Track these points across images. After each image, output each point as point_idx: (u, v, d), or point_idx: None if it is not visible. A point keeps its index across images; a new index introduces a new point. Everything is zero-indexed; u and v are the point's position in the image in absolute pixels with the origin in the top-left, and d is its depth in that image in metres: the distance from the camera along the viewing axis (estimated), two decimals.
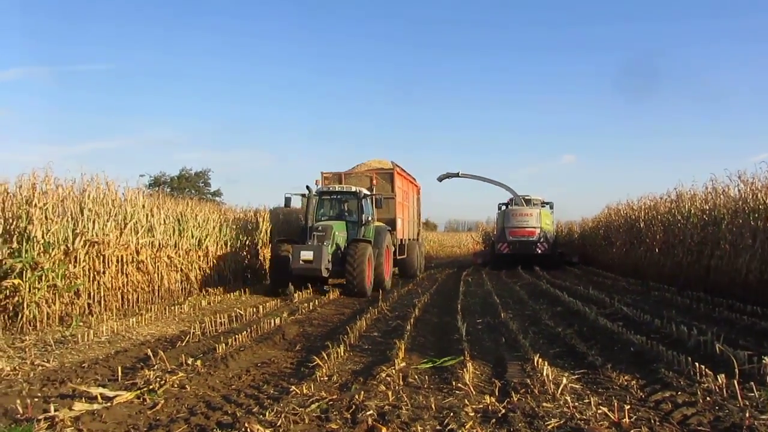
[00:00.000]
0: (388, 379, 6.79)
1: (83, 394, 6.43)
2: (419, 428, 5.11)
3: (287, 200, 18.57)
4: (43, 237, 11.12)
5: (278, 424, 5.26)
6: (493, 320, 11.82)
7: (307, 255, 16.04)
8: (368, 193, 19.48)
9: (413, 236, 26.22)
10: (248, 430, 5.06)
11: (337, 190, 19.37)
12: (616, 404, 5.63)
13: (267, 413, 5.56)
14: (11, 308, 10.66)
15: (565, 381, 6.51)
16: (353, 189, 19.07)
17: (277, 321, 11.51)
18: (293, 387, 6.52)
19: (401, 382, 6.76)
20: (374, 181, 21.55)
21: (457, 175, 35.51)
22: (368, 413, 5.51)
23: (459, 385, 6.53)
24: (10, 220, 11.10)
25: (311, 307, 14.00)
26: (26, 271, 10.71)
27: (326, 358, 7.84)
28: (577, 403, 5.85)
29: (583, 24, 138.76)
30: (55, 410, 5.73)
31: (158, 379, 7.00)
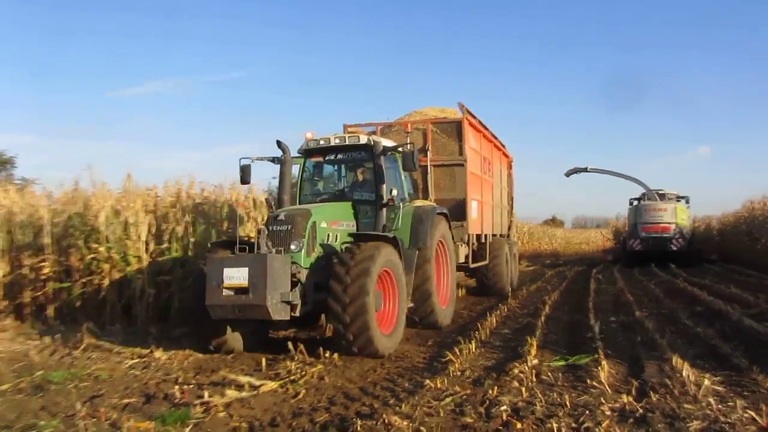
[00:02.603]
0: (521, 375, 6.79)
1: (232, 382, 6.91)
2: (554, 425, 5.10)
3: (243, 170, 10.31)
4: (188, 236, 11.92)
5: (414, 416, 5.41)
6: (627, 319, 11.44)
7: (235, 276, 7.88)
8: (391, 144, 10.59)
9: (502, 231, 17.57)
10: (386, 421, 5.26)
11: (332, 144, 10.39)
12: (764, 408, 5.36)
13: (403, 405, 5.74)
14: (163, 302, 11.53)
15: (707, 382, 6.25)
16: (362, 140, 10.29)
17: None
18: (427, 381, 6.67)
19: (534, 379, 6.73)
20: (426, 135, 13.05)
21: (585, 170, 34.47)
22: (502, 408, 5.57)
23: (594, 383, 6.43)
24: (161, 222, 12.03)
25: None
26: (175, 268, 11.55)
27: (458, 353, 7.94)
28: (720, 406, 5.60)
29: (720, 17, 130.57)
30: (209, 396, 6.21)
31: (299, 371, 7.40)
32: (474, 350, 8.41)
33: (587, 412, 5.47)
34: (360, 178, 10.60)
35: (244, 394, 6.49)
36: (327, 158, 10.78)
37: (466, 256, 13.76)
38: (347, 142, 10.33)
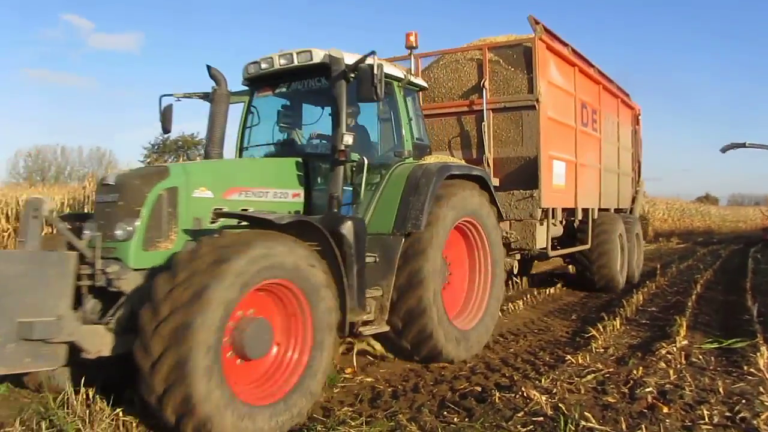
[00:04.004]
0: (669, 356, 6.11)
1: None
2: (705, 412, 4.49)
3: (164, 113, 6.58)
4: None
5: (554, 391, 5.00)
6: None
7: None
8: (354, 61, 5.66)
9: (620, 205, 12.44)
10: (525, 394, 4.91)
11: (276, 67, 6.17)
12: None
13: (543, 380, 5.35)
14: None
15: None
16: (315, 57, 5.89)
17: (552, 290, 11.14)
18: (568, 356, 6.20)
19: (683, 361, 6.02)
20: (482, 67, 8.66)
21: (743, 145, 31.01)
22: (647, 390, 5.01)
23: (751, 370, 5.61)
24: None
25: None
26: None
27: (602, 329, 7.33)
28: None
29: None
30: (356, 362, 6.14)
31: None
32: (618, 327, 7.73)
33: (743, 400, 4.77)
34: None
35: (390, 358, 6.39)
36: (278, 91, 6.54)
37: (555, 239, 9.86)
38: (296, 62, 6.07)
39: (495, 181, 8.05)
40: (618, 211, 12.40)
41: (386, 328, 5.81)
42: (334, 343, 4.85)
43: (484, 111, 8.52)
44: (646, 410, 4.60)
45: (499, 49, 8.85)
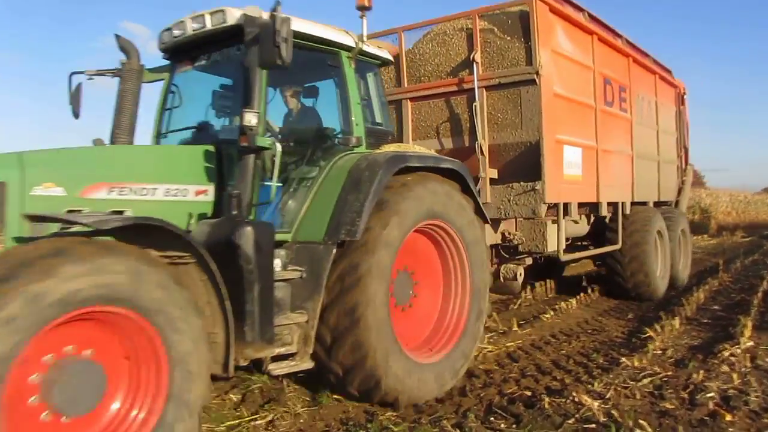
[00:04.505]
0: (732, 358, 5.73)
1: None
2: None
3: (74, 95, 5.36)
4: None
5: (607, 396, 4.76)
6: None
7: None
8: (265, 18, 4.29)
9: (661, 197, 10.82)
10: (576, 399, 4.67)
11: (188, 33, 4.93)
12: None
13: (596, 383, 5.10)
14: None
15: None
16: (229, 18, 4.66)
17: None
18: (623, 358, 5.89)
19: (748, 364, 5.63)
20: (472, 37, 7.27)
21: None
22: (708, 395, 4.70)
23: None
24: None
25: None
26: None
27: (660, 330, 6.98)
28: None
29: None
30: None
31: (489, 341, 6.96)
32: (678, 327, 7.34)
33: None
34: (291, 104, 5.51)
35: None
36: (197, 64, 5.33)
37: (579, 239, 8.97)
38: (209, 26, 4.85)
39: (492, 173, 7.22)
40: (660, 204, 10.93)
41: (309, 365, 4.62)
42: (201, 396, 3.52)
43: (476, 89, 7.18)
44: (707, 418, 4.31)
45: (492, 15, 7.38)
